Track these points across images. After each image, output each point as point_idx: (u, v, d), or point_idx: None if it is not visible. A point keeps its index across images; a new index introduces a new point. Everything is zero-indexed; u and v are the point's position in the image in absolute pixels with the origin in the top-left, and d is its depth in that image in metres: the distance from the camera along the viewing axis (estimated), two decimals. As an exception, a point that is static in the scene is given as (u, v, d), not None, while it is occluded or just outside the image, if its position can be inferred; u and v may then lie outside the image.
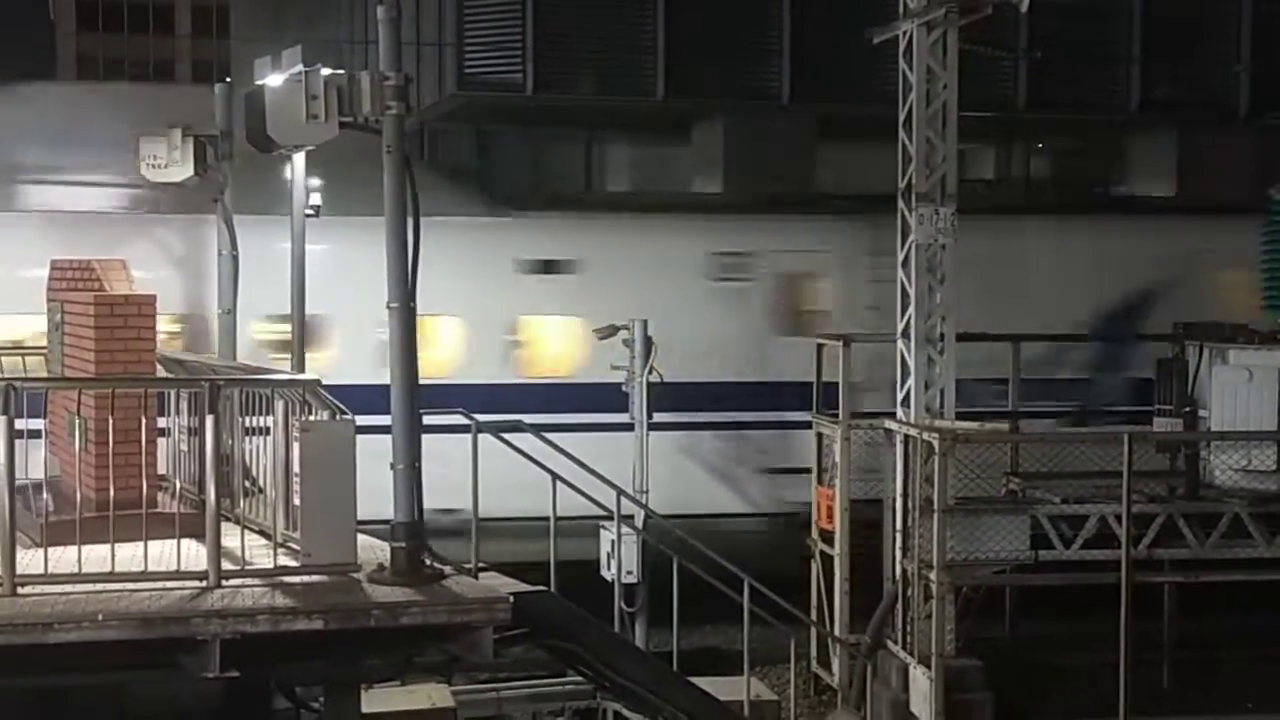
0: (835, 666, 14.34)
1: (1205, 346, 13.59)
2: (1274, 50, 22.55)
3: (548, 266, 17.56)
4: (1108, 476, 12.81)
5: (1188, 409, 13.56)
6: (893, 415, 13.61)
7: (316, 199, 14.82)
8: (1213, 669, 14.28)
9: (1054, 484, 13.19)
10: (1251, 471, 12.96)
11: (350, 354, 16.39)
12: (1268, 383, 13.00)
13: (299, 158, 12.30)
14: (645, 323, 14.48)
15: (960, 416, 13.47)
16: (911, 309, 13.50)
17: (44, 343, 11.76)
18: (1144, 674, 13.12)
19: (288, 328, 13.02)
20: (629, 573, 13.64)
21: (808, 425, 15.23)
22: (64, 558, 8.57)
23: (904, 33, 13.45)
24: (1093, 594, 12.60)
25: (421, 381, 9.03)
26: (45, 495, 9.88)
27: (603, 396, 15.48)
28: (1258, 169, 19.71)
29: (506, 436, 12.34)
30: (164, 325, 13.70)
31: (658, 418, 14.66)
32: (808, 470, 15.28)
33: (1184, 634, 14.52)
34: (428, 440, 9.15)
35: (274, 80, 9.71)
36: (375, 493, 8.87)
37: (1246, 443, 12.98)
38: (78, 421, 9.75)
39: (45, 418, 10.92)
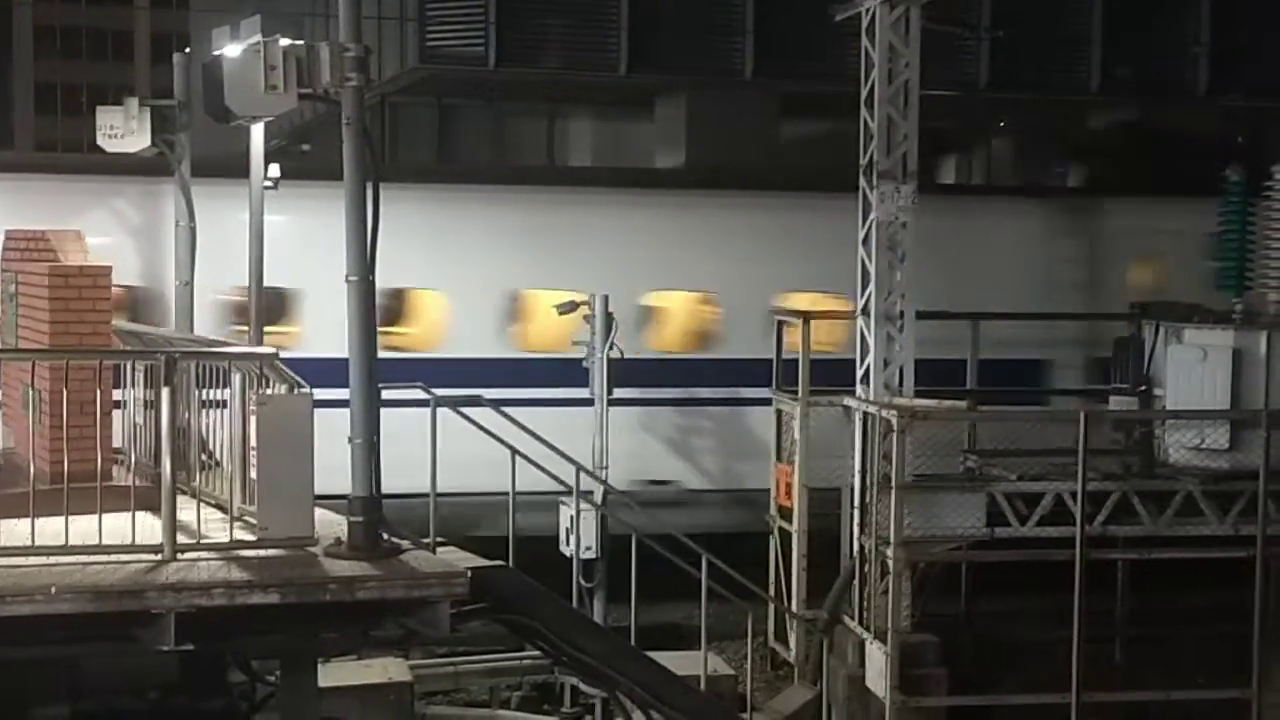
0: (792, 641, 14.42)
1: (1161, 326, 13.70)
2: (1233, 30, 22.71)
3: None
4: (1063, 454, 12.90)
5: (1143, 388, 13.68)
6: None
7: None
8: (1164, 644, 14.44)
9: (1010, 461, 13.28)
10: (1204, 450, 13.08)
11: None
12: (1221, 362, 13.11)
13: (257, 129, 12.21)
14: (606, 298, 14.46)
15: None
16: (871, 286, 13.54)
17: None
18: (1097, 649, 13.24)
19: None
20: (587, 548, 13.66)
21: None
22: (17, 530, 8.51)
23: (867, 10, 13.46)
24: (1047, 570, 12.70)
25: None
26: (-2, 467, 9.80)
27: None
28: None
29: (467, 412, 12.38)
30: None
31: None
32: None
33: (1137, 610, 14.68)
34: None
35: (232, 50, 9.62)
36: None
37: (1200, 422, 13.10)
38: (32, 394, 9.67)
39: (-2, 389, 10.83)
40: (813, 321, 14.79)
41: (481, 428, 12.28)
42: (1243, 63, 22.65)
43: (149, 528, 8.54)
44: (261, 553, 8.54)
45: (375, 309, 9.01)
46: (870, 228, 13.52)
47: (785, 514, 14.66)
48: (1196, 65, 22.89)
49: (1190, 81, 22.91)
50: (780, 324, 15.24)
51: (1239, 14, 22.72)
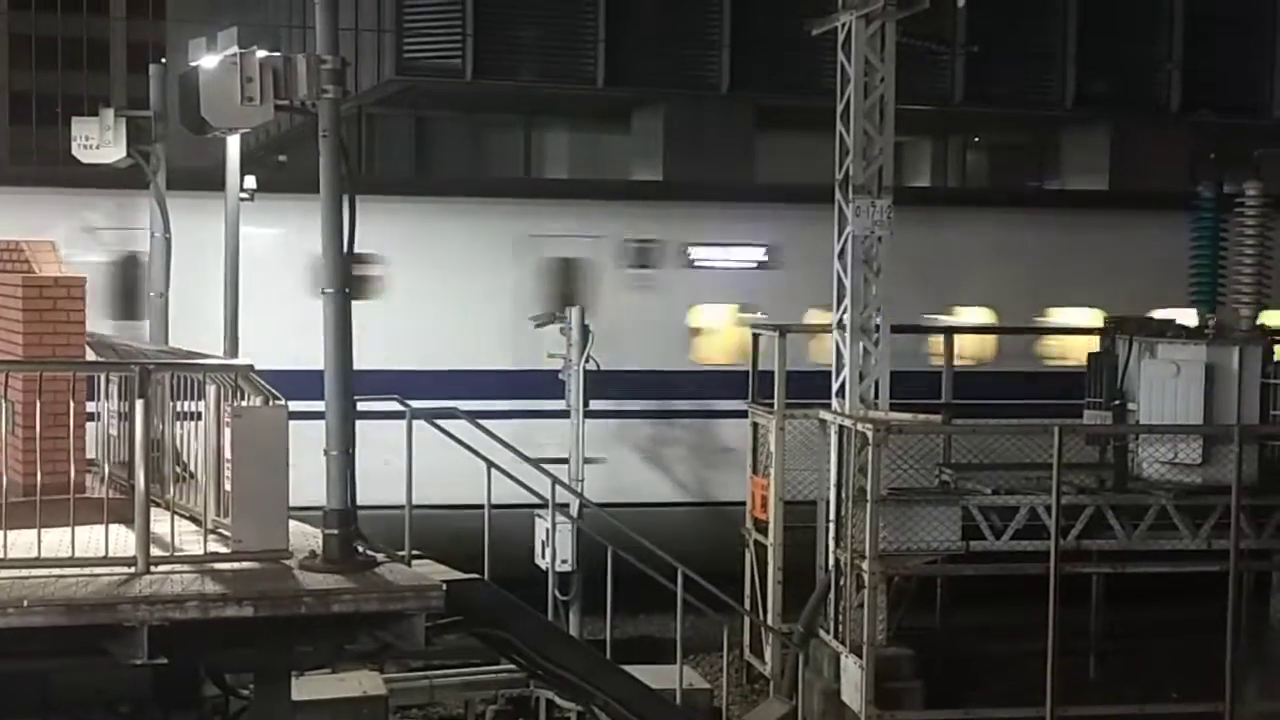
0: (768, 655, 14.41)
1: (1135, 340, 13.76)
2: (1205, 47, 22.93)
3: None
4: (1038, 468, 12.95)
5: (1117, 402, 13.74)
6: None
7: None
8: (1138, 659, 14.48)
9: (985, 475, 13.32)
10: (1178, 464, 13.14)
11: None
12: (1194, 377, 13.18)
13: (233, 140, 12.18)
14: (582, 310, 14.46)
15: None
16: (847, 300, 13.57)
17: None
18: (1071, 663, 13.27)
19: None
20: (563, 561, 13.64)
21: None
22: (-11, 543, 8.45)
23: (843, 25, 13.51)
24: (1022, 584, 12.73)
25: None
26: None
27: None
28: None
29: (443, 424, 12.35)
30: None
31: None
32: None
33: (1111, 624, 14.72)
34: None
35: (209, 62, 9.60)
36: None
37: (1173, 436, 13.16)
38: (5, 405, 9.61)
39: (-29, 401, 10.75)
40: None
41: (458, 440, 12.26)
42: (1214, 79, 22.88)
43: (122, 540, 8.49)
44: (236, 565, 8.51)
45: (351, 321, 8.98)
46: (846, 241, 13.56)
47: (760, 527, 14.66)
48: (1169, 82, 23.10)
49: (1162, 98, 23.13)
50: (755, 337, 15.25)
51: (1211, 32, 22.95)
